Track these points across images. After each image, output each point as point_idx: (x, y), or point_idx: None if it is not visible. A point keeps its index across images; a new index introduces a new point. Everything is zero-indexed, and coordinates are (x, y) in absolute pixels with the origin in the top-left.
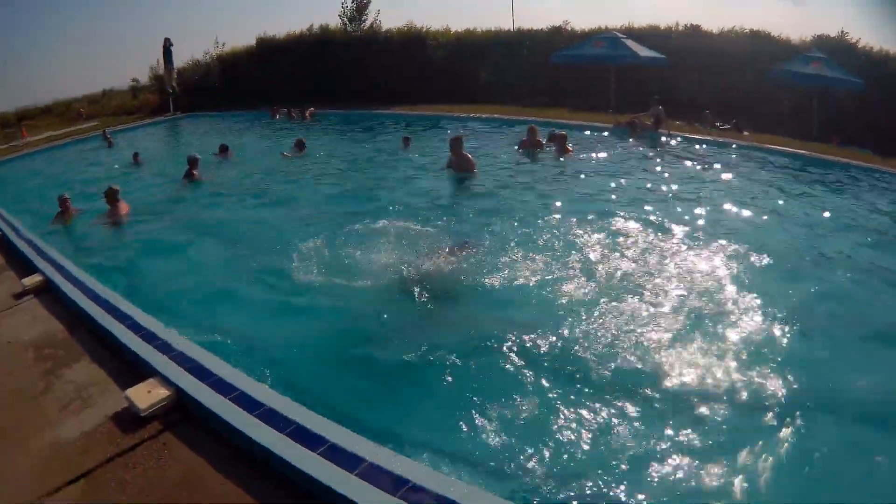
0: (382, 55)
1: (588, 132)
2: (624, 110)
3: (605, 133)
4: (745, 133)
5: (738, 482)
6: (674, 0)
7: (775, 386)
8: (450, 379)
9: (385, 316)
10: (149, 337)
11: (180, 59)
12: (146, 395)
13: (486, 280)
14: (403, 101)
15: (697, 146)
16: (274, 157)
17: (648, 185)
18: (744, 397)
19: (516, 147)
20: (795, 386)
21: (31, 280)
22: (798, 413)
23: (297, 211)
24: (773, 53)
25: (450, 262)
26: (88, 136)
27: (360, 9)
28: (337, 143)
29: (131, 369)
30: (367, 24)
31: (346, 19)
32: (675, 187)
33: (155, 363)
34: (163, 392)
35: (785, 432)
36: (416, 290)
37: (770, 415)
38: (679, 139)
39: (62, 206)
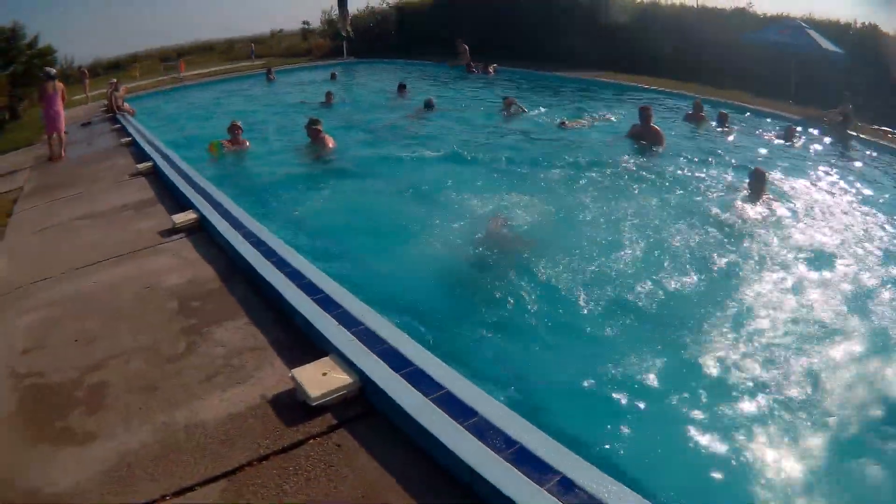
0: (565, 17)
1: (769, 119)
2: (802, 102)
3: (792, 125)
4: None
5: None
6: None
7: None
8: None
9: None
10: (325, 303)
11: (354, 6)
12: (319, 379)
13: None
14: (583, 66)
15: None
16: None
17: (819, 180)
18: None
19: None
20: None
21: (184, 217)
22: None
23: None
24: None
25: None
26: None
27: None
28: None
29: (300, 339)
30: None
31: None
32: (846, 190)
33: (333, 338)
34: (342, 378)
35: None
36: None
37: None
38: (865, 143)
39: (232, 135)
